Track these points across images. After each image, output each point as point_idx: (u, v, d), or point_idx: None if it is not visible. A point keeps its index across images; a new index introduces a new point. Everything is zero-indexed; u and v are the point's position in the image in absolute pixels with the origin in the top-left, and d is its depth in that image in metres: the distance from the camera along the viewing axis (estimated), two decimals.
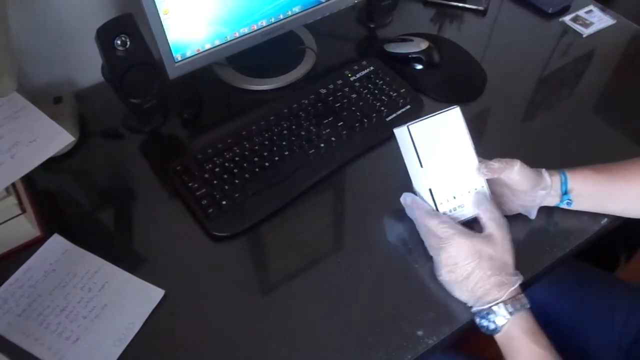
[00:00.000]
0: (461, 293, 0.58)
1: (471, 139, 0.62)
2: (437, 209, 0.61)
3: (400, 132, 0.62)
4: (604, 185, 0.64)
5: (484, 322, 0.56)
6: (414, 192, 0.65)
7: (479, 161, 0.61)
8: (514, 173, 0.60)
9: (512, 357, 0.55)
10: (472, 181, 0.62)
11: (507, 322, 0.55)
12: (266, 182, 0.70)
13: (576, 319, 0.78)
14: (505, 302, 0.55)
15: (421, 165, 0.60)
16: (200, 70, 0.79)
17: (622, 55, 0.92)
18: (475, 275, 0.56)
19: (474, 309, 0.57)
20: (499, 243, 0.57)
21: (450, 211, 0.61)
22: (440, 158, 0.61)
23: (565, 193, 0.64)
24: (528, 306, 0.56)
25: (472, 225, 0.62)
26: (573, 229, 0.67)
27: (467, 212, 0.62)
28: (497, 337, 0.56)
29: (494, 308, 0.55)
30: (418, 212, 0.61)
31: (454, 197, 0.61)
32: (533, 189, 0.62)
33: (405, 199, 0.64)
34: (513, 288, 0.56)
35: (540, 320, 0.80)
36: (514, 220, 0.67)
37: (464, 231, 0.58)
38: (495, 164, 0.60)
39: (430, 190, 0.60)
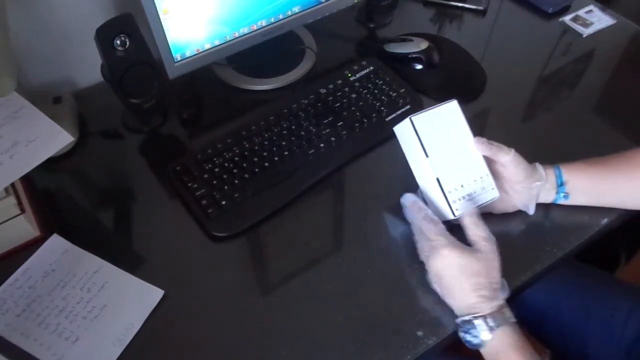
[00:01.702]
0: (448, 301, 0.59)
1: (471, 130, 0.62)
2: (446, 199, 0.60)
3: (402, 127, 0.62)
4: (599, 177, 0.65)
5: (468, 337, 0.56)
6: (417, 189, 0.65)
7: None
8: (509, 159, 0.61)
9: None
10: (477, 170, 0.62)
11: (492, 337, 0.54)
12: (266, 182, 0.70)
13: (576, 320, 0.78)
14: (487, 317, 0.55)
15: (427, 155, 0.60)
16: (200, 70, 0.79)
17: (622, 55, 0.92)
18: (459, 288, 0.56)
19: (457, 321, 0.57)
20: (486, 259, 0.56)
21: (459, 199, 0.61)
22: (444, 148, 0.61)
23: (560, 185, 0.64)
24: (512, 320, 0.55)
25: (486, 215, 0.62)
26: (573, 229, 0.67)
27: (477, 200, 0.62)
28: (483, 351, 0.56)
29: (476, 322, 0.55)
30: (418, 213, 0.61)
31: (462, 186, 0.61)
32: (528, 180, 0.63)
33: (406, 199, 0.64)
34: (496, 303, 0.55)
35: (540, 321, 0.80)
36: (514, 220, 0.67)
37: (455, 244, 0.57)
38: (494, 142, 0.62)
39: (437, 179, 0.60)
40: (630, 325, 0.74)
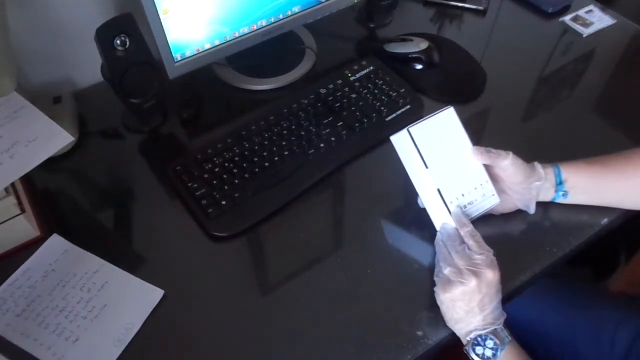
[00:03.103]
0: (455, 323, 0.58)
1: (469, 136, 0.62)
2: (448, 209, 0.60)
3: (400, 137, 0.61)
4: (598, 176, 0.65)
5: (479, 350, 0.56)
6: (419, 200, 0.65)
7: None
8: (508, 162, 0.61)
9: None
10: (476, 177, 0.62)
11: (504, 350, 0.55)
12: (266, 182, 0.70)
13: (563, 334, 0.77)
14: (492, 334, 0.56)
15: (426, 167, 0.60)
16: (200, 70, 0.79)
17: (622, 55, 0.92)
18: (468, 312, 0.56)
19: (472, 335, 0.56)
20: (494, 282, 0.56)
21: (460, 208, 0.61)
22: (443, 158, 0.61)
23: (559, 183, 0.64)
24: (508, 339, 0.56)
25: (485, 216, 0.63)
26: (573, 229, 0.67)
27: (478, 208, 0.62)
28: None
29: (492, 334, 0.56)
30: (453, 242, 0.59)
31: (462, 195, 0.61)
32: (527, 181, 0.63)
33: (444, 228, 0.61)
34: (503, 318, 0.57)
35: (527, 336, 0.80)
36: (513, 220, 0.67)
37: (476, 273, 0.56)
38: (492, 149, 0.62)
39: (438, 190, 0.60)
40: (620, 338, 0.73)
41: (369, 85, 0.82)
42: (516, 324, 0.79)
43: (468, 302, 0.55)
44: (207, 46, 0.77)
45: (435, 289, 0.58)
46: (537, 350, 0.80)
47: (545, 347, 0.79)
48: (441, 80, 0.86)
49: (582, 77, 0.88)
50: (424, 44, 0.86)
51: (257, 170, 0.71)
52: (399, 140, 0.62)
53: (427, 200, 0.63)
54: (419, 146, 0.60)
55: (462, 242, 0.58)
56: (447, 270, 0.57)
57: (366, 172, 0.74)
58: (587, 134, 0.79)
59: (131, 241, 0.68)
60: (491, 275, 0.55)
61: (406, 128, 0.60)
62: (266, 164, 0.72)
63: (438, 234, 0.62)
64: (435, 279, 0.59)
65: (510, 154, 0.62)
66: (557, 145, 0.76)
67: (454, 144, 0.62)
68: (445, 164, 0.61)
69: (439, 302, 0.58)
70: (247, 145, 0.73)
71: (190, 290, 0.63)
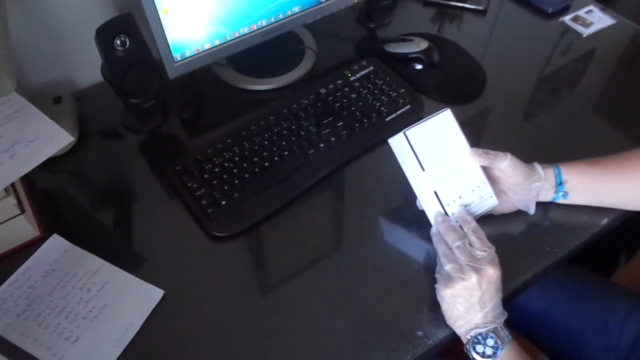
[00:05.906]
0: (455, 321, 0.57)
1: (466, 138, 0.62)
2: (445, 211, 0.60)
3: (397, 140, 0.61)
4: (598, 177, 0.65)
5: (480, 349, 0.55)
6: (417, 202, 0.65)
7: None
8: (506, 164, 0.61)
9: None
10: (474, 179, 0.62)
11: (504, 349, 0.55)
12: (266, 182, 0.70)
13: (571, 324, 0.77)
14: (500, 329, 0.55)
15: (423, 169, 0.60)
16: (200, 70, 0.79)
17: (622, 55, 0.92)
18: (468, 307, 0.56)
19: (473, 333, 0.56)
20: (495, 279, 0.56)
21: (458, 210, 0.61)
22: (440, 160, 0.61)
23: (559, 184, 0.64)
24: (509, 339, 0.56)
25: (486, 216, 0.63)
26: (573, 229, 0.67)
27: (476, 210, 0.62)
28: None
29: (492, 333, 0.55)
30: (453, 234, 0.58)
31: (460, 197, 0.61)
32: (527, 181, 0.63)
33: (437, 217, 0.61)
34: (503, 318, 0.56)
35: (535, 326, 0.80)
36: (514, 220, 0.67)
37: (477, 269, 0.56)
38: (490, 151, 0.62)
39: (435, 192, 0.60)
40: (628, 330, 0.73)
41: (369, 85, 0.82)
42: (526, 313, 0.80)
43: (468, 299, 0.55)
44: (207, 46, 0.77)
45: (436, 285, 0.58)
46: (545, 339, 0.81)
47: (553, 336, 0.79)
48: (441, 81, 0.86)
49: (582, 77, 0.88)
50: (424, 44, 0.86)
51: (257, 170, 0.71)
52: (396, 143, 0.62)
53: (425, 202, 0.63)
54: (415, 149, 0.60)
55: (464, 237, 0.58)
56: (448, 267, 0.57)
57: (366, 172, 0.74)
58: (587, 134, 0.79)
59: (131, 241, 0.68)
60: (492, 272, 0.55)
61: (403, 131, 0.60)
62: (266, 164, 0.72)
63: (434, 223, 0.62)
64: (437, 275, 0.59)
65: (509, 155, 0.61)
66: (557, 145, 0.76)
67: (452, 146, 0.62)
68: (442, 166, 0.61)
69: (439, 299, 0.58)
70: (247, 145, 0.73)
71: (190, 290, 0.63)
